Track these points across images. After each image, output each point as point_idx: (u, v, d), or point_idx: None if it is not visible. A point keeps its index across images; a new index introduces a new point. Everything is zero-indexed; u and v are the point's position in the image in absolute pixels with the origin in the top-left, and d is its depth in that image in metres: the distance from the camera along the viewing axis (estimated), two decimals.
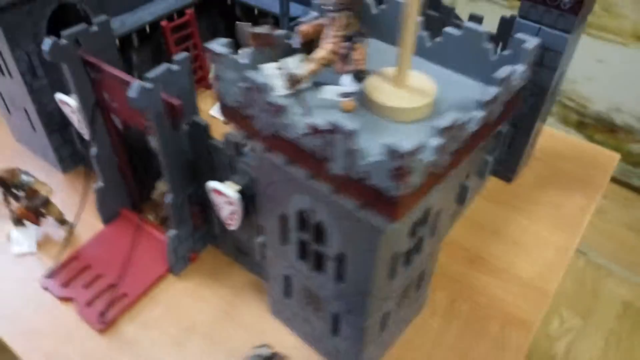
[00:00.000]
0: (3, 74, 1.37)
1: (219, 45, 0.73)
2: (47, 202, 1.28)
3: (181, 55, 1.02)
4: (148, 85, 0.94)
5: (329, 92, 0.77)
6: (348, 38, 0.73)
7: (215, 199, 1.11)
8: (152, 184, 1.37)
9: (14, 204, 1.30)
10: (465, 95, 0.82)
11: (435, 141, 0.64)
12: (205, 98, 1.82)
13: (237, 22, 0.75)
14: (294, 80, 0.75)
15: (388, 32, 0.92)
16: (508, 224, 1.45)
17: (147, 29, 1.58)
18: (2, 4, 1.17)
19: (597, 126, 3.50)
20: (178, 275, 1.29)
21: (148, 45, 1.67)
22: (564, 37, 1.24)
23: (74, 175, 1.54)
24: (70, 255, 1.29)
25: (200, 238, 1.31)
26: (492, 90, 0.72)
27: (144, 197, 1.40)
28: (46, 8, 1.28)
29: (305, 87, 0.80)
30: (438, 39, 0.88)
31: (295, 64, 0.78)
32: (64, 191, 1.47)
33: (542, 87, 1.32)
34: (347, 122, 0.63)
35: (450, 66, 0.87)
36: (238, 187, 1.08)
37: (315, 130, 0.67)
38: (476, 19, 1.43)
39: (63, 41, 1.05)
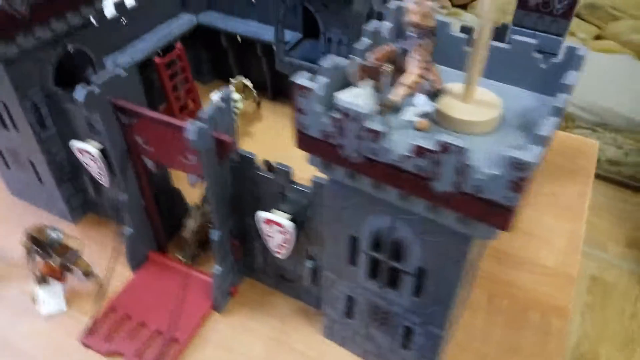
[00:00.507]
0: (7, 127, 1.31)
1: (305, 79, 0.75)
2: (78, 257, 1.23)
3: (226, 92, 1.02)
4: (204, 125, 0.94)
5: (409, 113, 0.80)
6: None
7: (266, 229, 1.11)
8: (176, 222, 1.35)
9: (38, 262, 1.24)
10: (523, 105, 0.87)
11: (538, 150, 0.68)
12: None
13: (350, 56, 0.75)
14: (387, 105, 0.77)
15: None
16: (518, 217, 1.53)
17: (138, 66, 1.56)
18: (10, 54, 1.13)
19: None
20: (221, 312, 1.27)
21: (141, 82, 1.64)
22: (559, 40, 1.33)
23: (86, 224, 1.49)
24: (106, 307, 1.25)
25: (238, 271, 1.30)
26: (561, 97, 0.77)
27: (168, 237, 1.38)
28: (53, 55, 1.24)
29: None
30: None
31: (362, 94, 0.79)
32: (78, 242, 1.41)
33: None
34: (457, 140, 0.67)
35: (499, 78, 0.92)
36: (289, 216, 1.09)
37: (421, 152, 0.70)
38: (466, 30, 1.50)
39: (96, 89, 1.03)
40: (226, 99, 1.01)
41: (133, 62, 1.55)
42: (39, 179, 1.40)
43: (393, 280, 0.97)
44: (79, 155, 1.26)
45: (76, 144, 1.24)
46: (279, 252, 1.15)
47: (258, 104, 1.88)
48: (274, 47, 1.65)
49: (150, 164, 1.17)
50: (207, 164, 1.01)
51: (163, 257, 1.35)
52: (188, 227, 1.31)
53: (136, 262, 1.32)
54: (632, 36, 3.58)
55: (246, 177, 1.10)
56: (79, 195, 1.44)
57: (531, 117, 0.85)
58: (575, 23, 3.64)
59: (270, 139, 1.79)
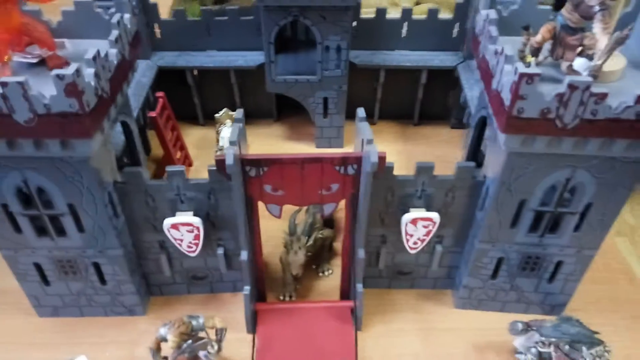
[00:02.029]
0: (65, 234, 1.11)
1: (532, 69, 0.84)
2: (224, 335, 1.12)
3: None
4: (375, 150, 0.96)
5: (581, 66, 0.93)
6: (582, 29, 0.92)
7: (411, 229, 1.16)
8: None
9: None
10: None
11: None
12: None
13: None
14: (597, 71, 0.90)
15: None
16: None
17: None
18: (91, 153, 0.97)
19: None
20: (361, 329, 1.28)
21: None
22: None
23: (154, 309, 1.33)
24: None
25: None
26: None
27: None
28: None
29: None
30: None
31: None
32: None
33: None
34: None
35: None
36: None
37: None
38: None
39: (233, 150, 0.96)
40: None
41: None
42: (102, 281, 1.21)
43: (555, 226, 1.11)
44: (170, 233, 1.14)
45: (172, 221, 1.12)
46: (413, 248, 1.21)
47: None
48: (266, 66, 1.62)
49: (275, 210, 1.11)
50: (365, 184, 1.02)
51: (272, 305, 1.30)
52: (295, 263, 1.27)
53: (251, 320, 1.24)
54: None
55: (385, 186, 1.13)
56: (143, 283, 1.28)
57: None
58: None
59: None
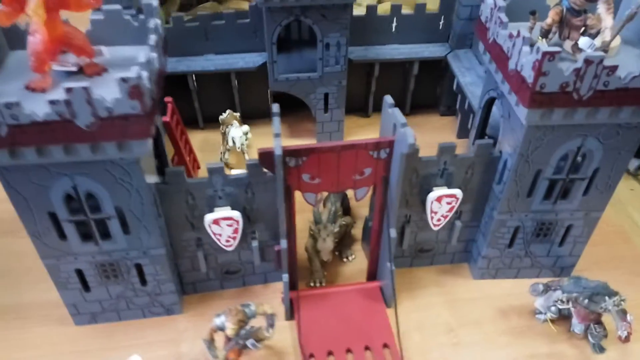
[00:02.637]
0: (110, 237, 1.14)
1: (552, 48, 0.93)
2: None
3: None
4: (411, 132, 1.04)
5: (585, 44, 1.04)
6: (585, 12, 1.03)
7: (436, 206, 1.24)
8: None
9: (232, 351, 1.14)
10: None
11: None
12: None
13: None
14: (606, 45, 1.00)
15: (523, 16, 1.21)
16: None
17: None
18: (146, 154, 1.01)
19: None
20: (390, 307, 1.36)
21: None
22: None
23: (190, 307, 1.36)
24: (303, 357, 1.22)
25: None
26: None
27: None
28: None
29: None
30: None
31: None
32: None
33: None
34: None
35: None
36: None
37: None
38: None
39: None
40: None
41: None
42: (143, 282, 1.24)
43: (566, 192, 1.22)
44: (211, 228, 1.18)
45: (213, 216, 1.16)
46: (436, 225, 1.29)
47: None
48: (268, 65, 1.68)
49: (311, 198, 1.18)
50: (400, 165, 1.10)
51: (307, 291, 1.36)
52: (325, 249, 1.33)
53: (289, 308, 1.30)
54: None
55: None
56: (178, 281, 1.32)
57: None
58: None
59: None
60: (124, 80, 0.84)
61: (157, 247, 1.17)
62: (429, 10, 1.82)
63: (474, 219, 1.35)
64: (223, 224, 1.17)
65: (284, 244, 1.19)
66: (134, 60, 0.98)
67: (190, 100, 1.87)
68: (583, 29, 1.06)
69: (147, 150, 0.96)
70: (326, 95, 1.78)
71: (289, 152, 1.08)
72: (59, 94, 0.85)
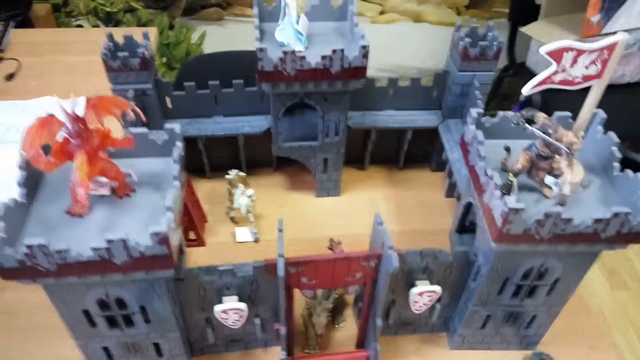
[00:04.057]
0: (132, 323, 1.32)
1: (518, 205, 1.09)
2: None
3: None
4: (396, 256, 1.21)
5: (550, 181, 1.20)
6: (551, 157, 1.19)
7: (417, 298, 1.42)
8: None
9: None
10: None
11: None
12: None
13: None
14: (565, 199, 1.17)
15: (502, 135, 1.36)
16: None
17: None
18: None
19: None
20: None
21: None
22: (491, 75, 1.85)
23: None
24: None
25: None
26: None
27: None
28: None
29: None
30: None
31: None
32: None
33: None
34: (623, 208, 1.11)
35: None
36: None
37: (599, 221, 1.12)
38: None
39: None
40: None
41: None
42: (159, 354, 1.43)
43: (531, 291, 1.40)
44: (219, 315, 1.36)
45: (222, 307, 1.34)
46: (418, 310, 1.48)
47: None
48: (273, 135, 1.83)
49: (309, 293, 1.35)
50: (385, 279, 1.27)
51: (300, 358, 1.54)
52: (319, 324, 1.52)
53: None
54: (406, 5, 4.42)
55: None
56: (188, 348, 1.51)
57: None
58: (361, 5, 4.34)
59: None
60: (155, 234, 1.01)
61: (172, 331, 1.35)
62: (424, 83, 1.96)
63: (452, 302, 1.53)
64: (230, 313, 1.35)
65: (283, 330, 1.37)
66: (160, 177, 1.18)
67: (199, 154, 2.02)
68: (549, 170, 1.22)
69: (170, 274, 1.13)
70: (325, 160, 1.94)
71: (290, 264, 1.25)
72: (100, 242, 1.01)
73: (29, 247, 0.99)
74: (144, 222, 1.15)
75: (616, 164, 1.27)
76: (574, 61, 1.04)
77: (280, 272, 1.17)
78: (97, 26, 4.43)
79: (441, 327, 1.64)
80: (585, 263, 1.31)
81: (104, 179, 1.18)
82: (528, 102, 4.06)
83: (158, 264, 1.08)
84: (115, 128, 1.19)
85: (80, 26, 4.41)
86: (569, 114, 1.35)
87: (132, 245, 1.02)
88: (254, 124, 1.93)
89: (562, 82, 1.07)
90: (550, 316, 1.48)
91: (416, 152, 2.15)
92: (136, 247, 1.03)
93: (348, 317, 1.69)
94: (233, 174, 1.91)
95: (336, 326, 1.66)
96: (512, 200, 1.10)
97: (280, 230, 1.28)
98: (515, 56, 4.13)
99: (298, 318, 1.60)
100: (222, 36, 4.47)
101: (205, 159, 2.04)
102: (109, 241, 1.00)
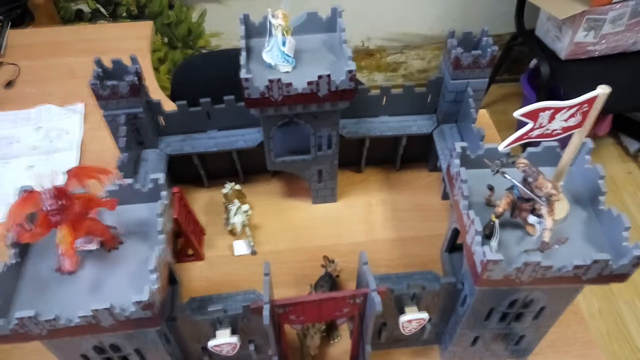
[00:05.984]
0: None
1: (497, 256, 1.10)
2: None
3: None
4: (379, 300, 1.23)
5: (533, 220, 1.20)
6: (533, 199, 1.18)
7: (406, 324, 1.46)
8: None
9: None
10: None
11: None
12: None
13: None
14: (545, 247, 1.17)
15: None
16: None
17: None
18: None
19: (359, 54, 4.35)
20: None
21: None
22: (485, 81, 1.81)
23: None
24: None
25: None
26: None
27: None
28: None
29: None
30: None
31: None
32: None
33: None
34: (602, 255, 1.11)
35: None
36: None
37: (580, 267, 1.13)
38: None
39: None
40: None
41: None
42: None
43: (517, 318, 1.42)
44: (213, 349, 1.41)
45: (214, 342, 1.39)
46: (409, 331, 1.51)
47: None
48: (266, 152, 1.83)
49: (298, 327, 1.39)
50: (371, 318, 1.30)
51: None
52: (312, 345, 1.57)
53: None
54: None
55: None
56: None
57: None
58: None
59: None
60: (138, 302, 1.04)
61: None
62: (418, 90, 1.92)
63: (442, 322, 1.56)
64: (223, 345, 1.40)
65: (275, 359, 1.43)
66: (147, 225, 1.22)
67: (195, 167, 2.04)
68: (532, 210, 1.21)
69: (159, 328, 1.17)
70: (319, 171, 1.94)
71: (277, 306, 1.29)
72: (86, 311, 1.05)
73: (20, 319, 1.03)
74: (132, 276, 1.19)
75: (602, 198, 1.25)
76: (552, 118, 1.01)
77: (266, 319, 1.21)
78: (97, 9, 4.39)
79: (434, 340, 1.68)
80: (570, 293, 1.31)
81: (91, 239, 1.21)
82: (537, 70, 3.96)
83: (145, 324, 1.12)
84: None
85: (80, 10, 4.37)
86: (556, 144, 1.32)
87: (117, 312, 1.06)
88: (247, 137, 1.93)
89: (540, 136, 1.05)
90: (540, 334, 1.51)
91: (412, 154, 2.13)
92: (121, 312, 1.07)
93: (343, 332, 1.74)
94: (228, 187, 1.92)
95: (331, 342, 1.71)
96: (491, 250, 1.11)
97: (267, 274, 1.31)
98: (524, 24, 3.99)
99: (293, 334, 1.65)
100: (222, 14, 4.39)
101: (201, 171, 2.06)
102: (95, 310, 1.04)
